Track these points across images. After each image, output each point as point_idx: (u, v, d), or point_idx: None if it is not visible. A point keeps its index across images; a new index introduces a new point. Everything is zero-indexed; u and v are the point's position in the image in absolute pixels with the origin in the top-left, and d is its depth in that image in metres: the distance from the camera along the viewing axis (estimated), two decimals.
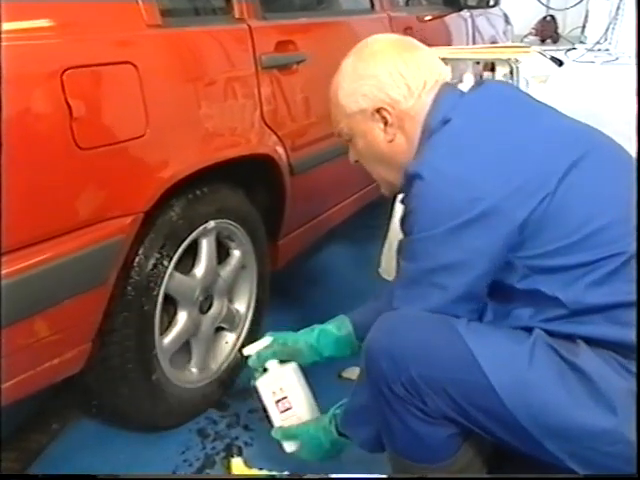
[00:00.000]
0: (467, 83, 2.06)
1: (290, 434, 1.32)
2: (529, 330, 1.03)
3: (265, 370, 1.36)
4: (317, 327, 1.38)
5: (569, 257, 1.00)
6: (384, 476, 1.27)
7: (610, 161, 1.09)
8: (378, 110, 1.14)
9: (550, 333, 1.03)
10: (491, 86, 1.20)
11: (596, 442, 0.96)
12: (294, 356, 1.37)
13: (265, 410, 1.36)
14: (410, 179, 1.05)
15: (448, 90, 1.15)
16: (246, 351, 1.39)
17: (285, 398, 1.32)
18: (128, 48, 1.30)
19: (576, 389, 0.97)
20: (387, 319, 1.09)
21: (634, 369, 0.98)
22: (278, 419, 1.33)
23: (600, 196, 1.03)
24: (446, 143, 1.06)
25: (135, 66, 1.26)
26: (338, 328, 1.36)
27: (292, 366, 1.35)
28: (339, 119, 1.21)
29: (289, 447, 1.31)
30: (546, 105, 1.16)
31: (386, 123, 1.15)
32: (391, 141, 1.16)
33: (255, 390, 1.37)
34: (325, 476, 1.35)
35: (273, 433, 1.33)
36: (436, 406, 1.02)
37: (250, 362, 1.39)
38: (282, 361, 1.36)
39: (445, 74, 1.18)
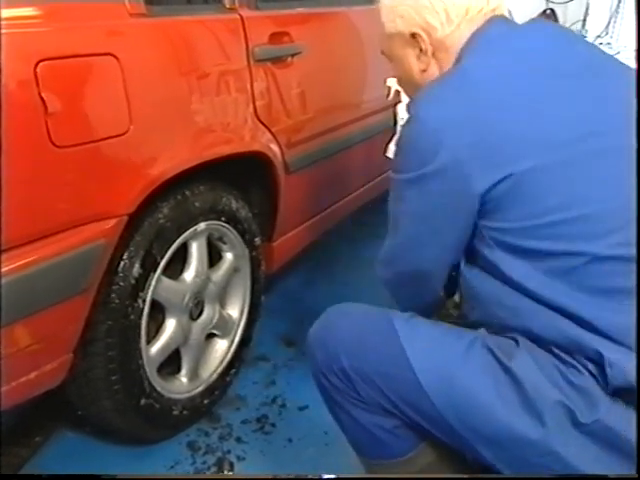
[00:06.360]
0: None
1: None
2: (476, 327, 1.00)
3: None
4: None
5: (532, 241, 0.93)
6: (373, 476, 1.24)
7: (618, 152, 0.94)
8: (413, 35, 1.07)
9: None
10: (537, 26, 1.07)
11: (525, 452, 0.92)
12: None
13: None
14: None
15: (493, 24, 1.03)
16: None
17: None
18: (109, 38, 1.22)
19: (507, 394, 0.92)
20: (329, 312, 1.11)
21: (577, 380, 0.90)
22: None
23: (586, 184, 0.92)
24: (442, 85, 1.00)
25: (117, 58, 1.19)
26: None
27: None
28: (382, 38, 1.15)
29: None
30: (598, 56, 1.05)
31: (421, 50, 1.08)
32: (424, 71, 1.09)
33: None
34: (320, 476, 1.35)
35: None
36: (370, 397, 1.02)
37: None
38: None
39: (496, 4, 1.05)
